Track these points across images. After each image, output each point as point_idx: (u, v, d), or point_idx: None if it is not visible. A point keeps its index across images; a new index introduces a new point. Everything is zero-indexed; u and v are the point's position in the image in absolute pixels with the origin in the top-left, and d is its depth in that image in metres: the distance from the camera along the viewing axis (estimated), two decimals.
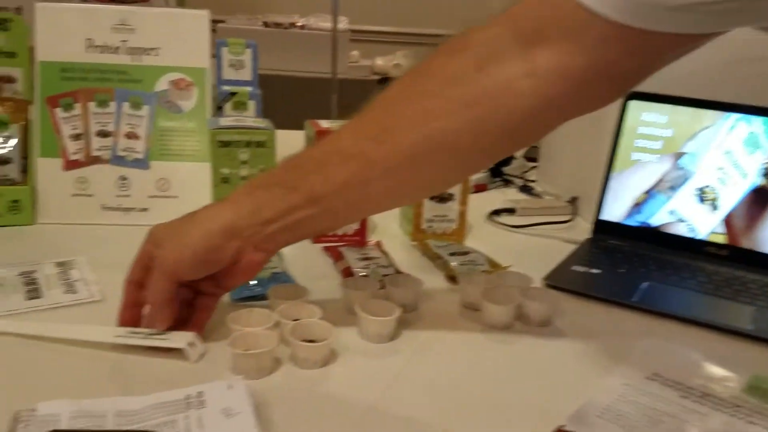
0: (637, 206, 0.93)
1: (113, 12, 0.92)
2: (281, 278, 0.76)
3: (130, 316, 0.63)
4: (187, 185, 0.94)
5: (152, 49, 0.92)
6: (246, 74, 1.21)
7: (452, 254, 0.83)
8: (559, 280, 0.81)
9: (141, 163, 0.93)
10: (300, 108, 1.43)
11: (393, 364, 0.63)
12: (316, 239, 0.92)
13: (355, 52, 2.73)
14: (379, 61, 2.75)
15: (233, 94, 1.15)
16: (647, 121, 0.93)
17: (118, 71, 0.91)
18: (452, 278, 0.80)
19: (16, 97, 0.98)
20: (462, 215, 0.92)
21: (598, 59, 0.55)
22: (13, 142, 0.93)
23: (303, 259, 0.85)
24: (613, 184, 0.95)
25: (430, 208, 0.91)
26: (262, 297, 0.73)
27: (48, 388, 0.55)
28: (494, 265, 0.83)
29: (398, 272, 0.79)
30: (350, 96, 2.43)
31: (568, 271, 0.84)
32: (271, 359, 0.60)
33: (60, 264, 0.78)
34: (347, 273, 0.78)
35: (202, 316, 0.64)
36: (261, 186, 0.62)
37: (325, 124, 0.89)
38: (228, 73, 1.20)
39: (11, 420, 0.49)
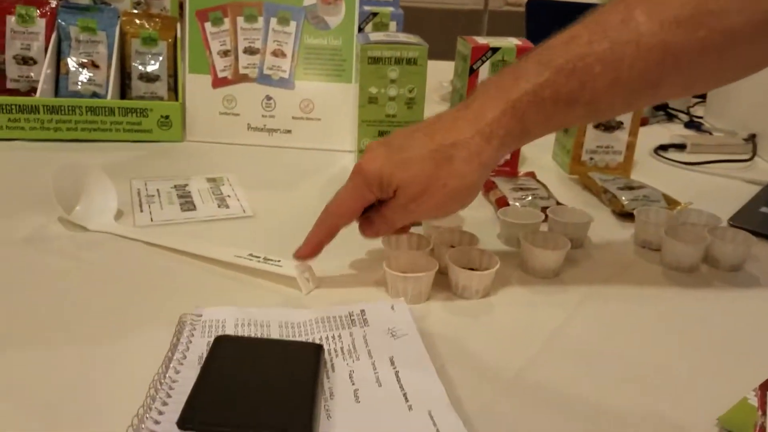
0: None
1: None
2: None
3: (315, 251, 0.57)
4: (330, 107, 0.91)
5: None
6: None
7: (621, 188, 0.75)
8: (746, 222, 0.70)
9: (286, 83, 0.90)
10: (436, 39, 1.35)
11: (562, 302, 0.57)
12: None
13: None
14: None
15: (375, 14, 1.10)
16: None
17: None
18: (622, 214, 0.72)
19: (164, 14, 0.97)
20: (631, 147, 0.83)
21: None
22: (162, 59, 0.93)
23: None
24: None
25: (593, 138, 0.82)
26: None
27: (208, 295, 0.54)
28: (672, 202, 0.73)
29: (559, 204, 0.72)
30: (484, 26, 2.31)
31: (756, 213, 0.74)
32: (430, 284, 0.56)
33: (210, 180, 0.78)
34: (502, 203, 0.72)
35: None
36: (531, 102, 0.50)
37: (481, 40, 0.82)
38: None
39: (177, 323, 0.48)
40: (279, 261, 0.58)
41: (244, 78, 0.90)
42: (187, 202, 0.72)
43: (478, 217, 0.72)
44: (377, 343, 0.46)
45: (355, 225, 0.69)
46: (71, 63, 0.91)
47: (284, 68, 0.90)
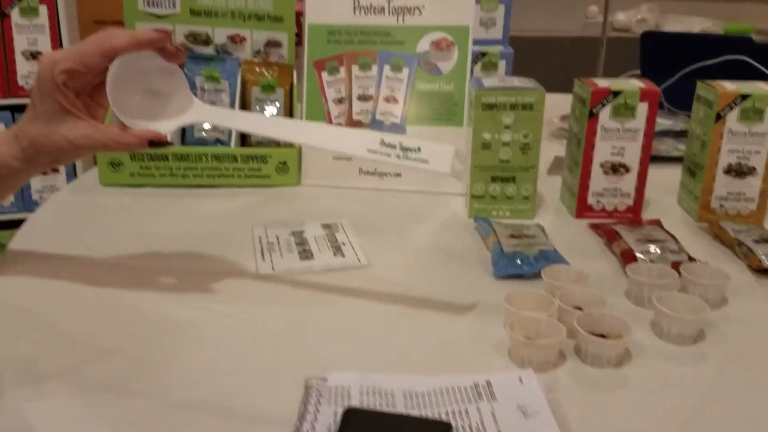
0: None
1: None
2: (552, 257, 0.68)
3: None
4: None
5: (416, 7, 0.89)
6: (497, 33, 1.14)
7: (757, 241, 0.70)
8: None
9: (398, 128, 0.91)
10: (543, 70, 1.32)
11: (702, 373, 0.53)
12: (579, 214, 0.83)
13: (593, 8, 2.52)
14: (621, 16, 2.50)
15: (483, 54, 1.09)
16: None
17: (381, 33, 0.90)
18: (760, 270, 0.67)
19: (281, 62, 1.01)
20: (764, 194, 0.77)
21: None
22: (279, 105, 0.96)
23: (566, 237, 0.77)
24: None
25: (724, 184, 0.77)
26: (527, 276, 0.67)
27: (331, 353, 0.55)
28: None
29: (691, 259, 0.67)
30: (588, 55, 2.25)
31: None
32: (557, 352, 0.54)
33: (325, 226, 0.79)
34: (629, 257, 0.69)
35: None
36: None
37: (600, 82, 0.79)
38: (478, 32, 1.14)
39: (304, 387, 0.48)
40: (419, 149, 0.55)
41: (357, 124, 0.92)
42: (305, 251, 0.73)
43: (602, 270, 0.69)
44: (508, 422, 0.44)
45: (469, 283, 0.68)
46: None
47: (396, 113, 0.91)
